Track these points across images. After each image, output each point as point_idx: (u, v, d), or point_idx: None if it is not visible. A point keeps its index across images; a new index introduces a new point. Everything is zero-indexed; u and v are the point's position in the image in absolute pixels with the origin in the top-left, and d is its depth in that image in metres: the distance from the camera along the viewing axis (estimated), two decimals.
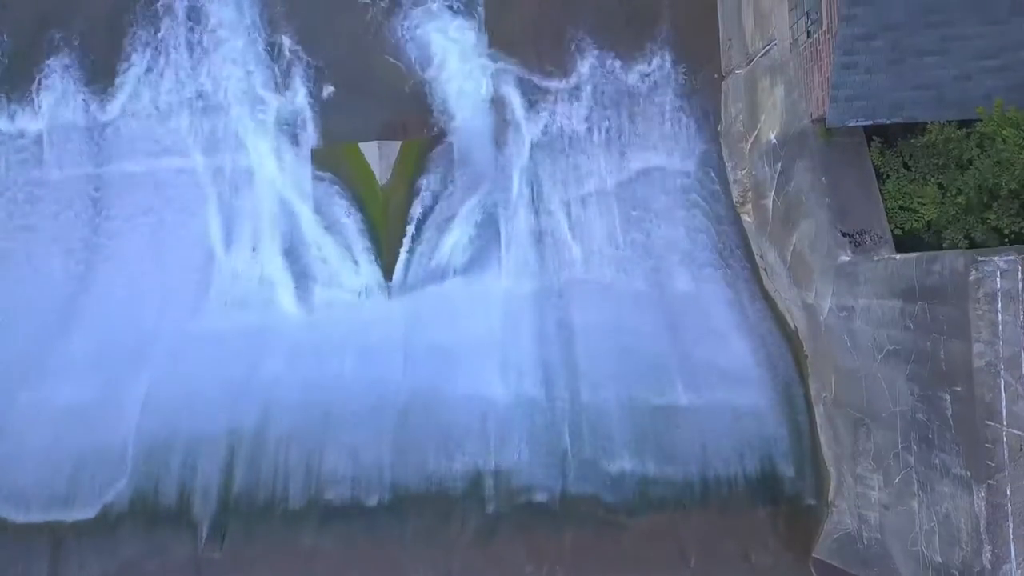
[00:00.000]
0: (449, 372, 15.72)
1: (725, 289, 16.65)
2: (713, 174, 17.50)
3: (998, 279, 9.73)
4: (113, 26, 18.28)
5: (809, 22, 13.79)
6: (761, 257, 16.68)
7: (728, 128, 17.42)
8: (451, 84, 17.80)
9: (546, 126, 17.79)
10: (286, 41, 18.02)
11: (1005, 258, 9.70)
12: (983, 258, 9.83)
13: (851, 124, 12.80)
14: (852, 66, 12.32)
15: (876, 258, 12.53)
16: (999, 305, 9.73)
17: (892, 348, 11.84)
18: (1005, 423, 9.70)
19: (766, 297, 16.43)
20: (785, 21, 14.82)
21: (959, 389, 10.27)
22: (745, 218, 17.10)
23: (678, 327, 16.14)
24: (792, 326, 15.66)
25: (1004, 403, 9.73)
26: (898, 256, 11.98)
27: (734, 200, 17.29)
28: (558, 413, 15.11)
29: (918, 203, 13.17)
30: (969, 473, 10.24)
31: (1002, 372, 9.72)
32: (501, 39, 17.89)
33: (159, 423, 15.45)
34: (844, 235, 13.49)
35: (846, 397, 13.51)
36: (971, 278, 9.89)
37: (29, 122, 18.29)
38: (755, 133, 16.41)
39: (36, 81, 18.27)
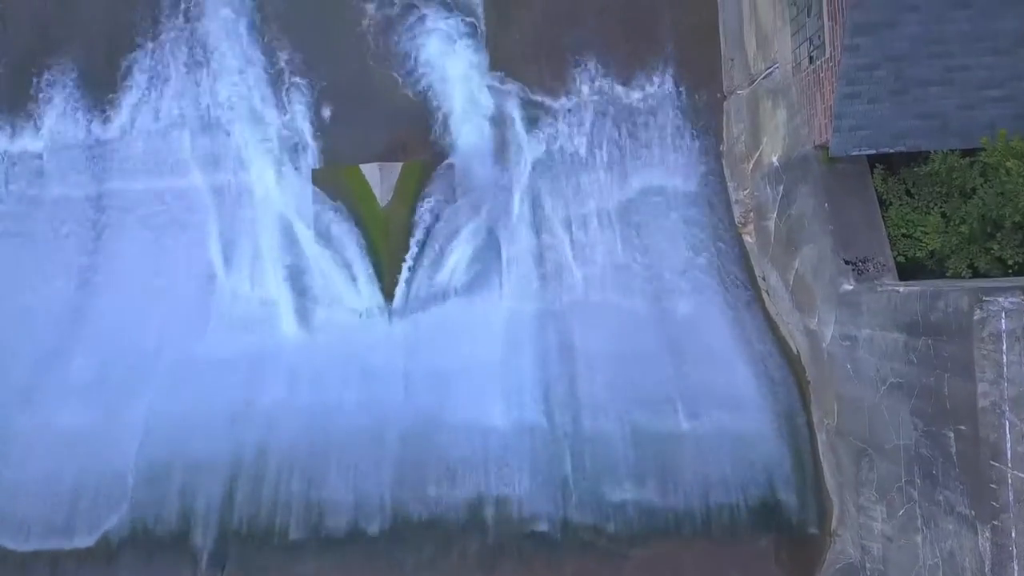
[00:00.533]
0: (450, 396, 15.62)
1: (727, 311, 16.52)
2: (714, 194, 17.41)
3: (1003, 319, 9.63)
4: (114, 44, 18.29)
5: (812, 48, 13.67)
6: (763, 279, 16.57)
7: (730, 148, 17.31)
8: (452, 102, 17.75)
9: (547, 145, 17.71)
10: (286, 59, 17.99)
11: (1010, 299, 9.59)
12: (988, 298, 9.72)
13: (854, 153, 12.72)
14: (855, 96, 12.24)
15: (880, 288, 12.42)
16: (1004, 345, 9.62)
17: (896, 381, 11.75)
18: (1010, 464, 9.61)
19: (768, 320, 16.27)
20: (788, 45, 14.70)
21: (963, 428, 10.18)
22: (747, 239, 16.98)
23: (679, 350, 16.00)
24: (795, 350, 15.55)
25: (1009, 444, 9.64)
26: (901, 288, 11.86)
27: (736, 220, 17.19)
28: (559, 439, 14.99)
29: (921, 232, 13.08)
30: (973, 512, 10.15)
31: (1007, 413, 9.63)
32: (502, 57, 17.82)
33: (159, 448, 15.38)
34: (847, 263, 13.39)
35: (849, 426, 13.42)
36: (976, 317, 9.79)
37: (29, 140, 18.26)
38: (757, 154, 16.30)
39: (36, 98, 18.27)
